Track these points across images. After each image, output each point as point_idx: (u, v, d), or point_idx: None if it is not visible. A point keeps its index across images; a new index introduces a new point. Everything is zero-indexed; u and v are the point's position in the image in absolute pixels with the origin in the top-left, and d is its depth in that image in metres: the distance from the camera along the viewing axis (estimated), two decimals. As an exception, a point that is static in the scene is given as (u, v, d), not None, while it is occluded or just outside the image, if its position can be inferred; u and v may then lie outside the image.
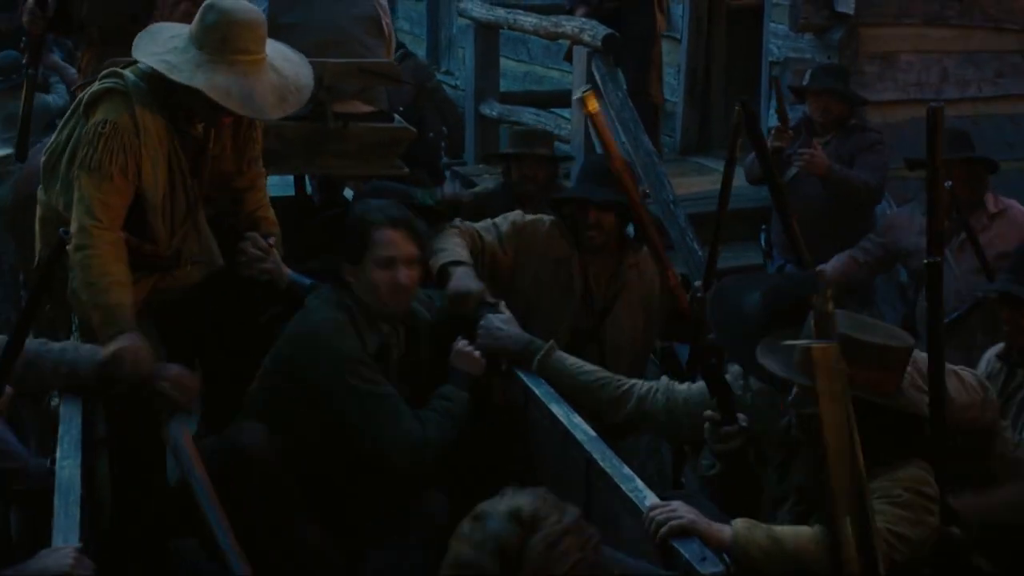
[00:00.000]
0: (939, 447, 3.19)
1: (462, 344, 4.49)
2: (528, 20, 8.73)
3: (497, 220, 5.15)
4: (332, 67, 5.59)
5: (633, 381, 4.40)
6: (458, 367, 4.45)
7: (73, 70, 7.76)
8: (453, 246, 4.83)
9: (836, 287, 6.36)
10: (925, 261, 2.96)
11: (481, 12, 9.30)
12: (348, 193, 6.44)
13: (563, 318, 5.02)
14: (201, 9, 4.39)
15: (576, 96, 3.89)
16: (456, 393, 4.39)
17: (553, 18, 8.46)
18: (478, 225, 5.10)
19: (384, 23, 5.99)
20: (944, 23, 8.49)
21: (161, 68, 4.26)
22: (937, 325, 3.13)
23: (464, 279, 4.64)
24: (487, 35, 9.34)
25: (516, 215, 5.18)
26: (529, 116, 8.84)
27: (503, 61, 11.22)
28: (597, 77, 7.86)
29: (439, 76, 12.60)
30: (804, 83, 7.39)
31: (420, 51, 12.81)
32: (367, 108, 5.82)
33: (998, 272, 5.93)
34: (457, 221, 5.08)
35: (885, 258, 6.73)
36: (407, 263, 4.35)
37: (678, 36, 9.73)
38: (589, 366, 4.50)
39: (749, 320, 3.98)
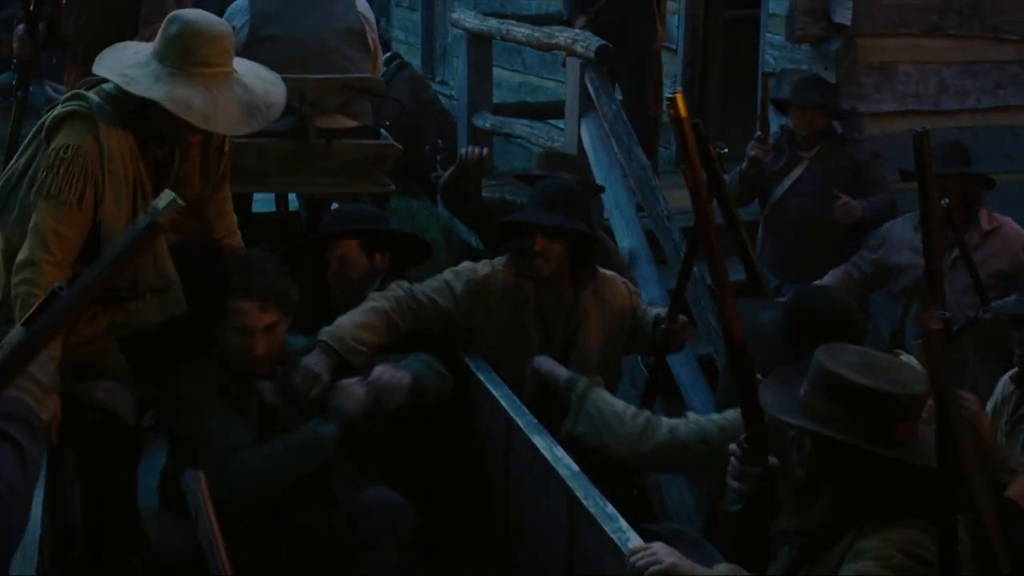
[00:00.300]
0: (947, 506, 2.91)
1: (346, 381, 4.37)
2: (521, 31, 8.55)
3: (449, 279, 4.82)
4: (314, 83, 5.42)
5: (659, 416, 4.21)
6: (335, 401, 4.32)
7: None
8: (351, 321, 4.59)
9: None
10: (928, 330, 2.69)
11: (473, 22, 9.11)
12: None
13: (527, 363, 4.74)
14: (164, 22, 4.19)
15: (667, 96, 3.62)
16: (315, 427, 4.25)
17: (546, 29, 8.28)
18: (429, 287, 4.80)
19: (370, 37, 5.81)
20: (942, 33, 8.32)
21: (119, 81, 4.06)
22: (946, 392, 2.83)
23: (312, 362, 4.43)
24: (480, 46, 9.15)
25: (468, 270, 4.85)
26: (522, 128, 8.66)
27: (497, 71, 11.06)
28: (590, 89, 7.68)
29: (434, 86, 12.44)
30: (785, 94, 7.21)
31: (415, 61, 12.65)
32: (351, 123, 5.65)
33: (991, 291, 5.78)
34: (399, 285, 4.77)
35: (877, 274, 6.56)
36: (264, 331, 4.22)
37: (673, 47, 9.56)
38: (620, 401, 4.32)
39: (771, 338, 3.71)
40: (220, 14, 5.56)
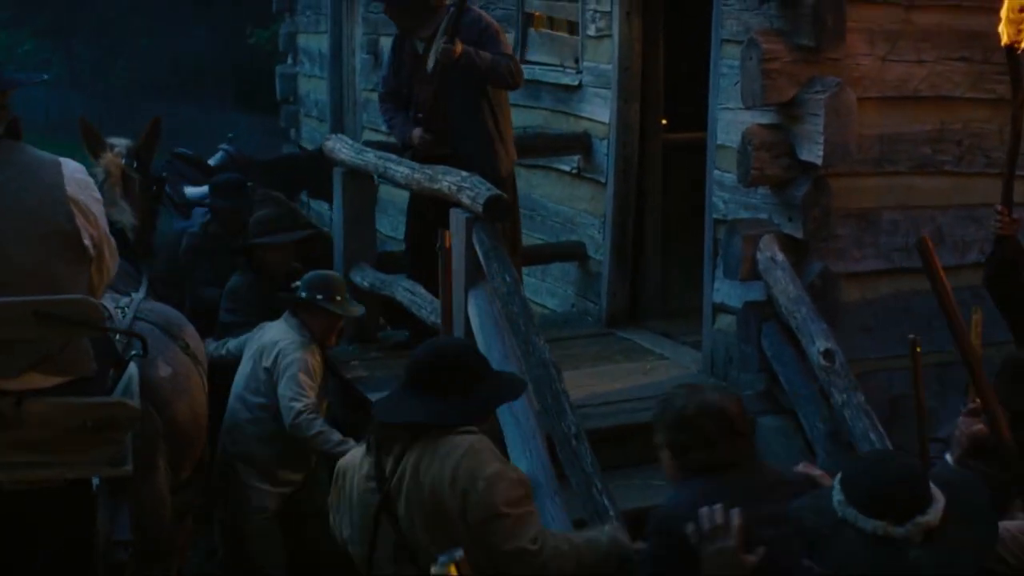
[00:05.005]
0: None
1: None
2: (400, 170, 6.46)
3: None
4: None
5: None
6: None
7: None
8: None
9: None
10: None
11: (348, 154, 7.02)
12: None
13: None
14: None
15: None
16: None
17: (428, 170, 6.19)
18: None
19: (87, 235, 3.58)
20: (938, 170, 6.31)
21: None
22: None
23: None
24: (358, 184, 7.05)
25: None
26: (403, 293, 6.53)
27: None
28: (479, 252, 5.58)
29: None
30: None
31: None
32: (53, 380, 3.46)
33: None
34: None
35: None
36: None
37: (602, 179, 7.49)
38: None
39: None
40: None
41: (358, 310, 6.31)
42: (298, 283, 6.08)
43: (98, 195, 3.72)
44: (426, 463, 3.75)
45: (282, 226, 6.71)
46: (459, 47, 6.46)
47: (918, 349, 4.37)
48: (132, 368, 3.84)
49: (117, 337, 4.25)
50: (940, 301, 3.94)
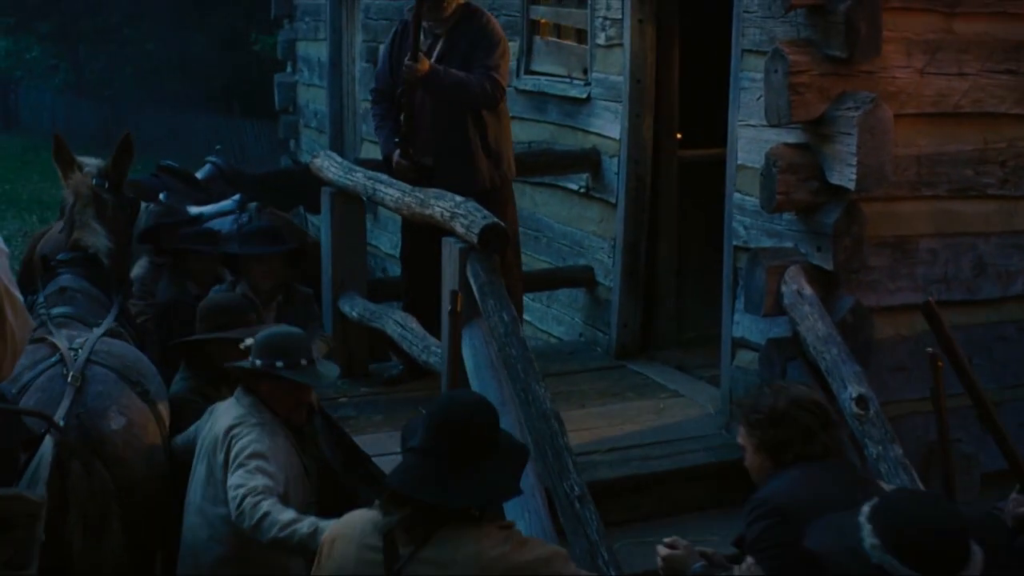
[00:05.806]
0: None
1: None
2: (389, 193, 5.89)
3: None
4: None
5: None
6: None
7: None
8: None
9: None
10: None
11: (337, 173, 6.45)
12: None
13: None
14: None
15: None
16: None
17: (420, 194, 5.62)
18: None
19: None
20: (980, 194, 5.73)
21: None
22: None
23: None
24: (347, 205, 6.48)
25: None
26: (393, 327, 5.94)
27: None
28: (474, 287, 5.00)
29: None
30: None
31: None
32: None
33: None
34: None
35: None
36: None
37: (613, 199, 6.90)
38: None
39: None
40: None
41: (332, 372, 4.87)
42: (248, 344, 4.71)
43: (2, 245, 3.14)
44: (452, 547, 3.40)
45: (239, 319, 5.25)
46: (424, 65, 5.97)
47: (939, 364, 4.02)
48: (46, 446, 3.24)
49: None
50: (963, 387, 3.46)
